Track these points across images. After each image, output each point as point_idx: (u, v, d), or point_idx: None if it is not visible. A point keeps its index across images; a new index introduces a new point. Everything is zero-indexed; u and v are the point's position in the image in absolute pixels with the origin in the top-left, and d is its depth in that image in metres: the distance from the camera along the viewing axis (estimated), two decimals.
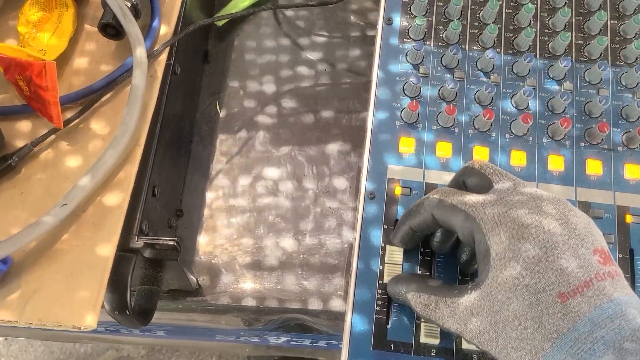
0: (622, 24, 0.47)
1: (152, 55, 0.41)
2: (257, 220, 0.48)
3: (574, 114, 0.44)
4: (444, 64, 0.46)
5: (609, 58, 0.46)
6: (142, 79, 0.38)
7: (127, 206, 0.37)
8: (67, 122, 0.39)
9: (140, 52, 0.39)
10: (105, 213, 0.37)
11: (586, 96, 0.45)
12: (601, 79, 0.45)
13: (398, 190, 0.42)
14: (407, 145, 0.43)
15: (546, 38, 0.47)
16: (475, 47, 0.46)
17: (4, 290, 0.34)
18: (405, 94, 0.45)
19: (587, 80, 0.45)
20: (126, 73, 0.41)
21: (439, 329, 0.38)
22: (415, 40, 0.46)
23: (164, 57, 0.43)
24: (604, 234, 0.33)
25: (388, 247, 0.40)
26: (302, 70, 0.54)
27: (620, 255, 0.40)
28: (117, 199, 0.37)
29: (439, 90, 0.45)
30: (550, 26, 0.47)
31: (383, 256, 0.40)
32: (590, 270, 0.30)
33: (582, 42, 0.47)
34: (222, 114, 0.52)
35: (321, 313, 0.46)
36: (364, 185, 0.42)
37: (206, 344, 0.63)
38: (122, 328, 0.55)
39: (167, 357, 1.18)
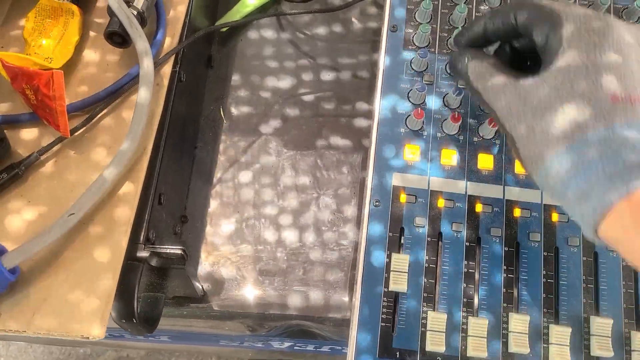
0: None
1: (157, 64, 0.41)
2: (261, 226, 0.48)
3: None
4: (449, 72, 0.46)
5: None
6: (149, 89, 0.38)
7: (134, 215, 0.37)
8: (73, 131, 0.39)
9: (147, 62, 0.39)
10: (113, 222, 0.37)
11: None
12: None
13: (403, 198, 0.42)
14: (412, 152, 0.43)
15: None
16: None
17: (12, 300, 0.34)
18: (411, 102, 0.45)
19: None
20: (132, 81, 0.41)
21: (444, 337, 0.38)
22: (420, 48, 0.46)
23: (169, 65, 0.43)
24: None
25: (394, 255, 0.40)
26: (306, 75, 0.55)
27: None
28: (125, 208, 0.37)
29: (444, 97, 0.45)
30: None
31: (388, 264, 0.40)
32: None
33: None
34: (225, 119, 0.52)
35: (325, 320, 0.46)
36: (369, 192, 0.42)
37: (209, 348, 0.63)
38: (126, 333, 0.55)
39: (167, 357, 1.18)
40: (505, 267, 0.40)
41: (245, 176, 0.50)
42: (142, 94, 0.38)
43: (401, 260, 0.40)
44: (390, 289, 0.40)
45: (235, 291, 0.46)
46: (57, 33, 0.42)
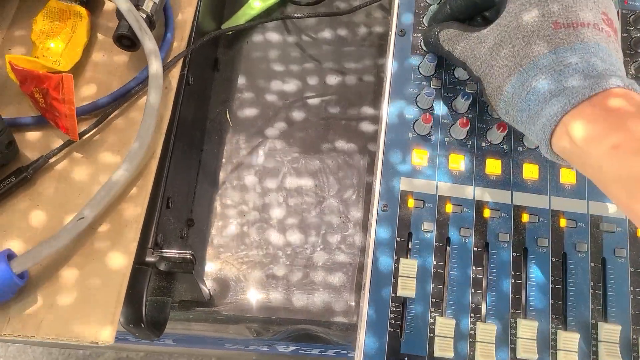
0: None
1: (166, 67, 0.41)
2: (267, 230, 0.48)
3: None
4: (457, 77, 0.46)
5: None
6: (158, 92, 0.38)
7: (143, 220, 0.37)
8: (81, 135, 0.39)
9: (156, 65, 0.39)
10: (122, 226, 0.37)
11: None
12: None
13: (411, 203, 0.42)
14: (420, 157, 0.43)
15: None
16: None
17: (20, 305, 0.34)
18: (418, 106, 0.45)
19: None
20: (141, 84, 0.41)
21: (452, 343, 0.38)
22: (427, 53, 0.46)
23: (178, 68, 0.43)
24: None
25: (402, 260, 0.40)
26: (311, 78, 0.54)
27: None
28: (134, 213, 0.37)
29: (452, 102, 0.45)
30: None
31: (396, 269, 0.40)
32: (593, 18, 0.35)
33: None
34: (231, 122, 0.52)
35: (332, 324, 0.46)
36: (377, 197, 0.42)
37: (210, 350, 0.63)
38: (131, 336, 0.55)
39: (167, 357, 1.18)
40: (513, 273, 0.40)
41: (250, 179, 0.50)
42: (152, 97, 0.38)
43: (409, 266, 0.40)
44: (398, 294, 0.40)
45: (240, 295, 0.46)
46: (65, 35, 0.42)
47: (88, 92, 0.42)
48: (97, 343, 0.33)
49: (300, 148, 0.51)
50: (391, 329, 0.39)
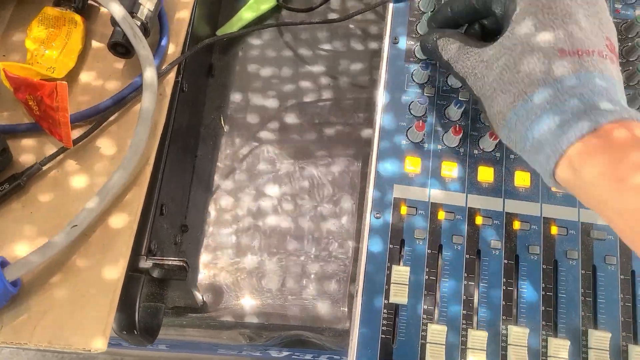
0: None
1: (161, 74, 0.41)
2: (260, 236, 0.48)
3: None
4: (450, 84, 0.46)
5: None
6: (152, 99, 0.38)
7: (136, 227, 0.37)
8: (75, 142, 0.39)
9: (150, 73, 0.39)
10: (115, 234, 0.37)
11: None
12: None
13: (404, 210, 0.42)
14: (413, 164, 0.44)
15: None
16: None
17: (13, 312, 0.34)
18: (412, 114, 0.45)
19: None
20: (135, 92, 0.41)
21: (444, 350, 0.38)
22: (421, 60, 0.47)
23: (172, 75, 0.43)
24: None
25: (394, 267, 0.40)
26: (306, 84, 0.55)
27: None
28: (127, 220, 0.37)
29: (445, 110, 0.45)
30: None
31: (389, 276, 0.40)
32: (596, 45, 0.34)
33: None
34: (226, 128, 0.52)
35: (324, 330, 0.46)
36: (370, 204, 0.42)
37: (205, 356, 0.63)
38: (125, 342, 0.55)
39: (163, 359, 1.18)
40: (504, 280, 0.41)
41: (244, 185, 0.50)
42: (146, 104, 0.38)
43: (402, 273, 0.40)
44: (390, 301, 0.40)
45: (234, 301, 0.46)
46: (60, 43, 0.42)
47: (82, 99, 0.42)
48: (90, 351, 0.33)
49: (295, 153, 0.51)
50: (383, 336, 0.39)
